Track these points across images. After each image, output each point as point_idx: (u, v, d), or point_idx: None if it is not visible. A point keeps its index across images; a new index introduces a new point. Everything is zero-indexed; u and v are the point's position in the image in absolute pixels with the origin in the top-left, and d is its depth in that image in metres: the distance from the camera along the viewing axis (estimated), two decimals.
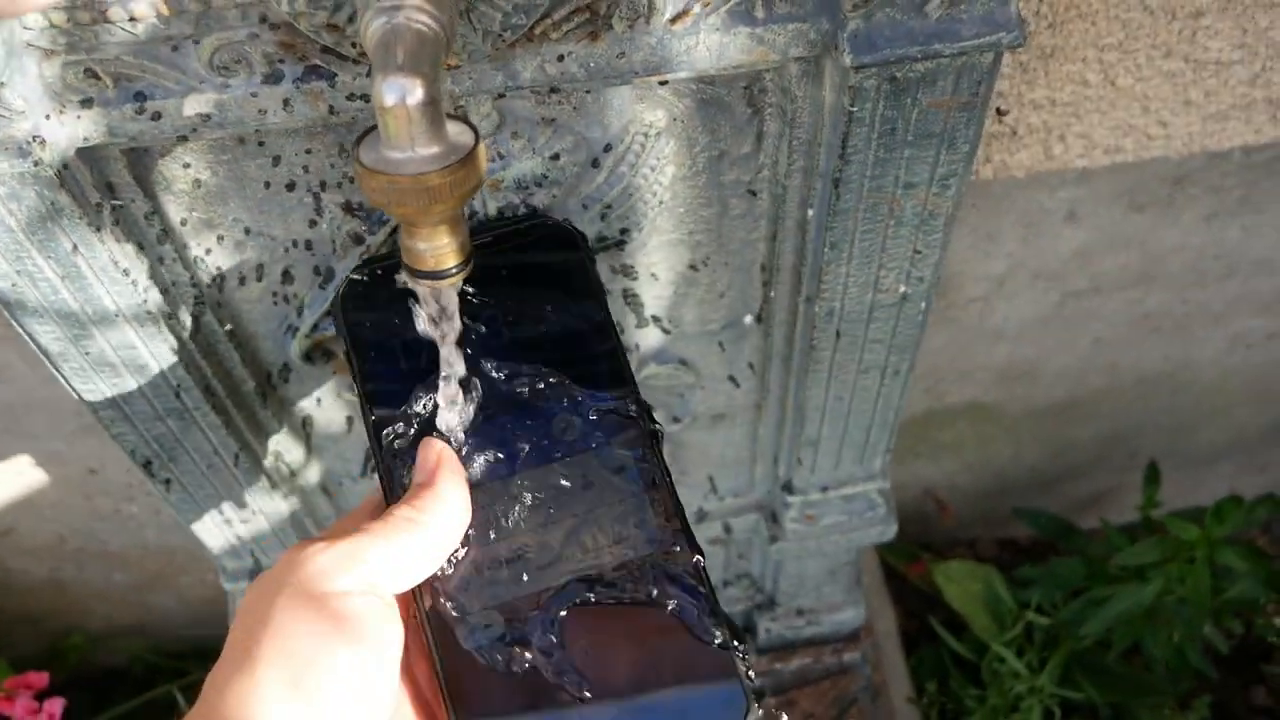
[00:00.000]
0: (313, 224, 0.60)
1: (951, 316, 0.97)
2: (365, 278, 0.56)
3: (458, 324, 0.46)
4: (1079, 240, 0.89)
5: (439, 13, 0.40)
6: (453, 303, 0.45)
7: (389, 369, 0.53)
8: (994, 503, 1.33)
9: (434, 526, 0.47)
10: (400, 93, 0.37)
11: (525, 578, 0.48)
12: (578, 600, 0.48)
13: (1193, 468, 1.31)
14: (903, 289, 0.66)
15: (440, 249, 0.41)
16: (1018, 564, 1.33)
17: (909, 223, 0.61)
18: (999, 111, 0.65)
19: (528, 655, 0.46)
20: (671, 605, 0.47)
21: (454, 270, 0.42)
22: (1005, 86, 0.65)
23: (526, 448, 0.51)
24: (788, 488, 0.88)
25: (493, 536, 0.50)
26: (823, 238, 0.61)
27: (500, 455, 0.51)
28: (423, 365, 0.52)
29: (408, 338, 0.52)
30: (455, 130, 0.40)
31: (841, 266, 0.63)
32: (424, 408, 0.52)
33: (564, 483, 0.50)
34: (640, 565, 0.48)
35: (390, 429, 0.52)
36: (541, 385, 0.52)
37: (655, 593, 0.48)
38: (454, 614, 0.48)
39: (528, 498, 0.50)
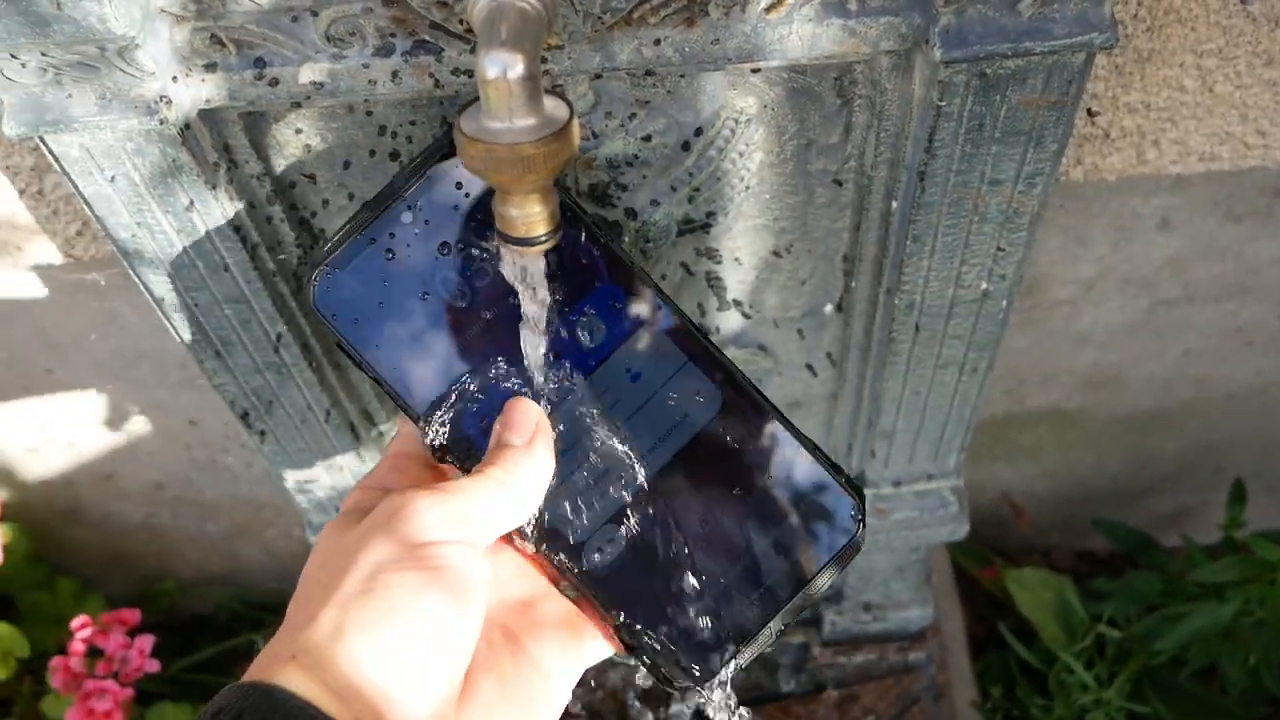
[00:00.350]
0: None
1: (1037, 318, 0.96)
2: (330, 272, 0.55)
3: (545, 291, 0.48)
4: (1172, 248, 0.89)
5: None
6: (539, 269, 0.47)
7: (398, 351, 0.54)
8: (1073, 511, 1.32)
9: (528, 487, 0.50)
10: (502, 66, 0.39)
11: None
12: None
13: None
14: (984, 286, 0.67)
15: (532, 216, 0.43)
16: (1094, 576, 1.31)
17: (993, 219, 0.62)
18: (1090, 112, 0.66)
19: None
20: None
21: (544, 238, 0.44)
22: (1100, 89, 0.65)
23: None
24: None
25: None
26: (905, 230, 0.62)
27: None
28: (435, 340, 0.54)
29: (409, 319, 0.54)
30: (551, 105, 0.42)
31: (923, 260, 0.64)
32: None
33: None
34: None
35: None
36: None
37: None
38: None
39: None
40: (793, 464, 0.55)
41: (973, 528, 1.19)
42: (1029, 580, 1.21)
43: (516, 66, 0.39)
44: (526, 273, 0.47)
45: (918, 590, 1.09)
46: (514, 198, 0.43)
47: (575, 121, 0.42)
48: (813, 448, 0.56)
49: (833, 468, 0.56)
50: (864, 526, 0.55)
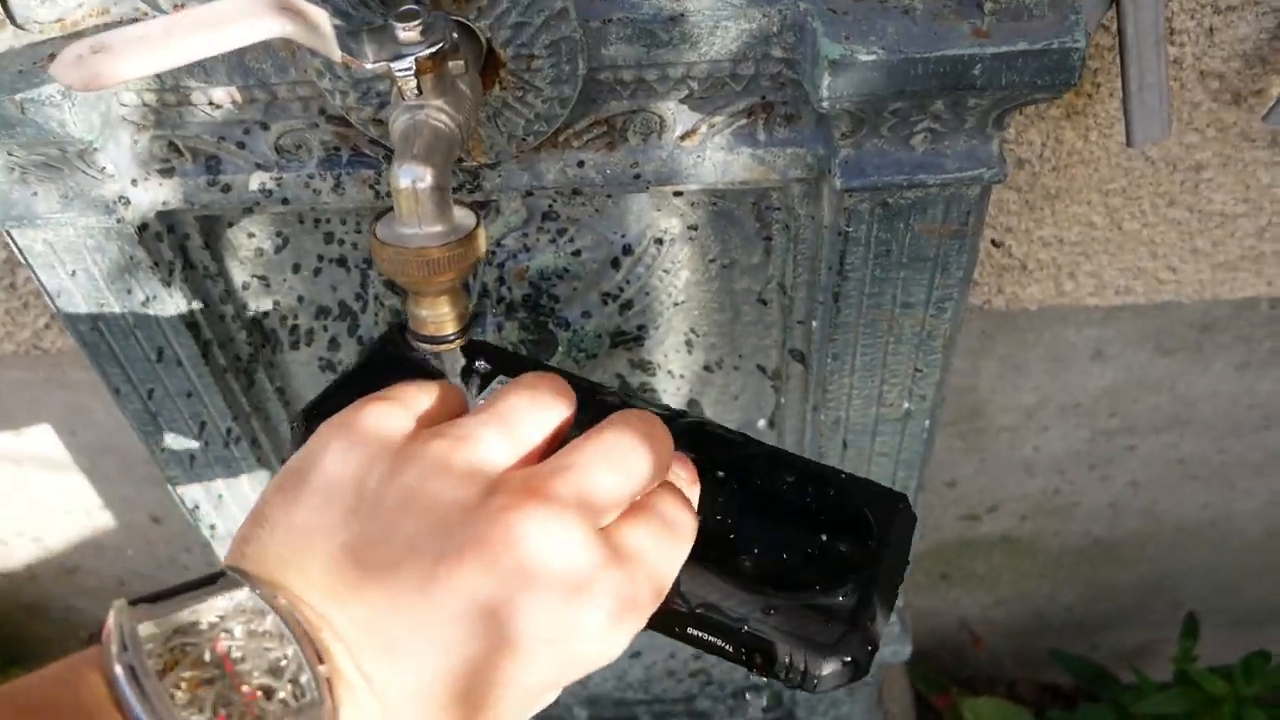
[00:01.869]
0: (359, 297, 0.66)
1: (982, 444, 0.99)
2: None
3: (460, 387, 0.51)
4: (1107, 379, 0.92)
5: (456, 114, 0.46)
6: (455, 366, 0.50)
7: None
8: (1032, 642, 1.32)
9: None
10: (412, 177, 0.43)
11: None
12: None
13: (1240, 628, 1.29)
14: (906, 405, 0.70)
15: (440, 316, 0.47)
16: (1050, 711, 1.31)
17: (908, 341, 0.65)
18: (994, 243, 0.69)
19: None
20: None
21: (452, 337, 0.47)
22: (1014, 223, 0.69)
23: None
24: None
25: None
26: (825, 349, 0.66)
27: None
28: None
29: None
30: (461, 214, 0.45)
31: (845, 378, 0.67)
32: None
33: None
34: None
35: None
36: None
37: None
38: None
39: None
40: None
41: (932, 654, 1.20)
42: (985, 710, 1.20)
43: (426, 177, 0.43)
44: (445, 369, 0.50)
45: (868, 714, 1.09)
46: (424, 299, 0.46)
47: (481, 230, 0.45)
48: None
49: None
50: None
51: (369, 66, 0.44)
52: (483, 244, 0.46)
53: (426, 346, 0.48)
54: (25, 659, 1.25)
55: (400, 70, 0.44)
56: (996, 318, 0.82)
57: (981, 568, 1.18)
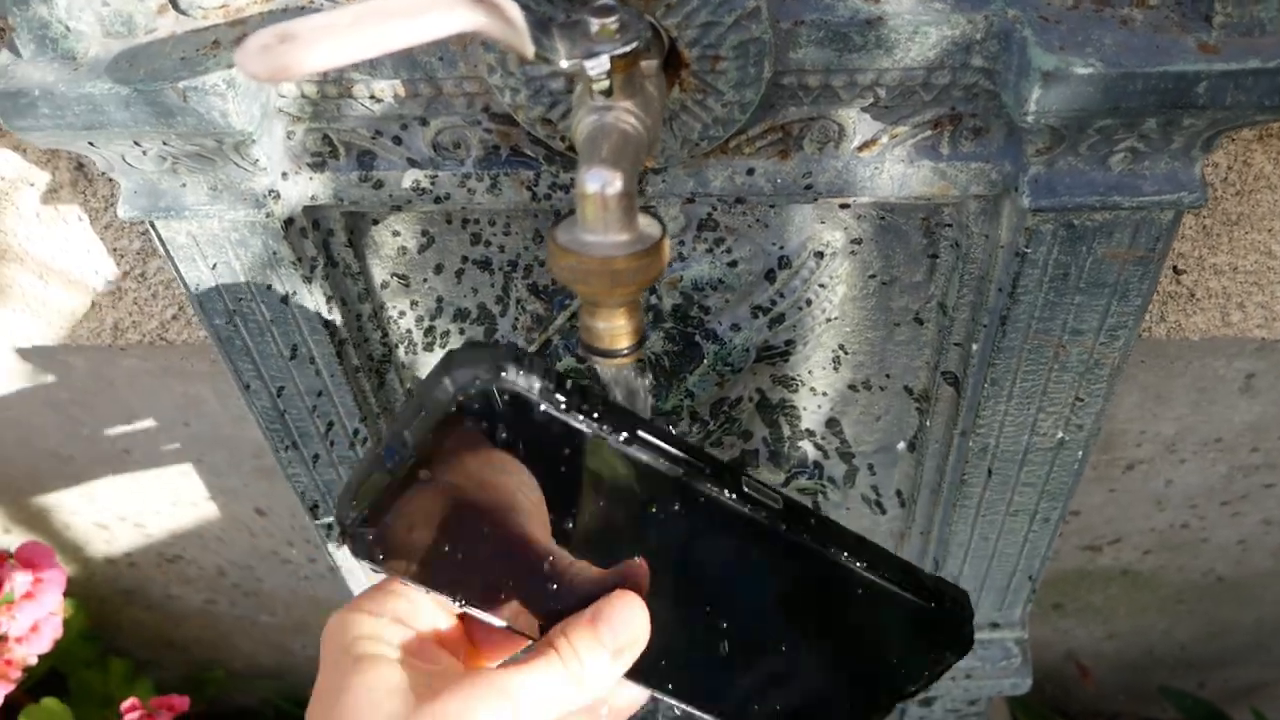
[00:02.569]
0: (499, 300, 0.64)
1: (1113, 474, 0.95)
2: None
3: (646, 401, 0.49)
4: (1254, 413, 0.87)
5: (645, 116, 0.43)
6: (636, 383, 0.48)
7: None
8: (1140, 677, 1.27)
9: (596, 687, 0.42)
10: (601, 182, 0.40)
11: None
12: None
13: None
14: (1060, 435, 0.66)
15: (616, 329, 0.44)
16: None
17: (1073, 369, 0.62)
18: (1175, 269, 0.65)
19: None
20: None
21: (626, 351, 0.45)
22: (1187, 248, 0.65)
23: None
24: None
25: None
26: (984, 373, 0.62)
27: None
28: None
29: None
30: (645, 222, 0.43)
31: (1000, 404, 0.64)
32: None
33: None
34: None
35: None
36: None
37: None
38: None
39: None
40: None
41: (1036, 685, 1.16)
42: None
43: (615, 183, 0.41)
44: (617, 382, 0.48)
45: None
46: (601, 310, 0.44)
47: (666, 240, 0.43)
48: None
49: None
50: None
51: (562, 64, 0.41)
52: (667, 255, 0.43)
53: (599, 360, 0.45)
54: (122, 647, 1.26)
55: (593, 68, 0.41)
56: (1148, 345, 0.78)
57: (1098, 600, 1.14)
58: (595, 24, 0.41)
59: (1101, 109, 0.45)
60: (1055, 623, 1.18)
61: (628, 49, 0.42)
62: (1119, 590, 1.12)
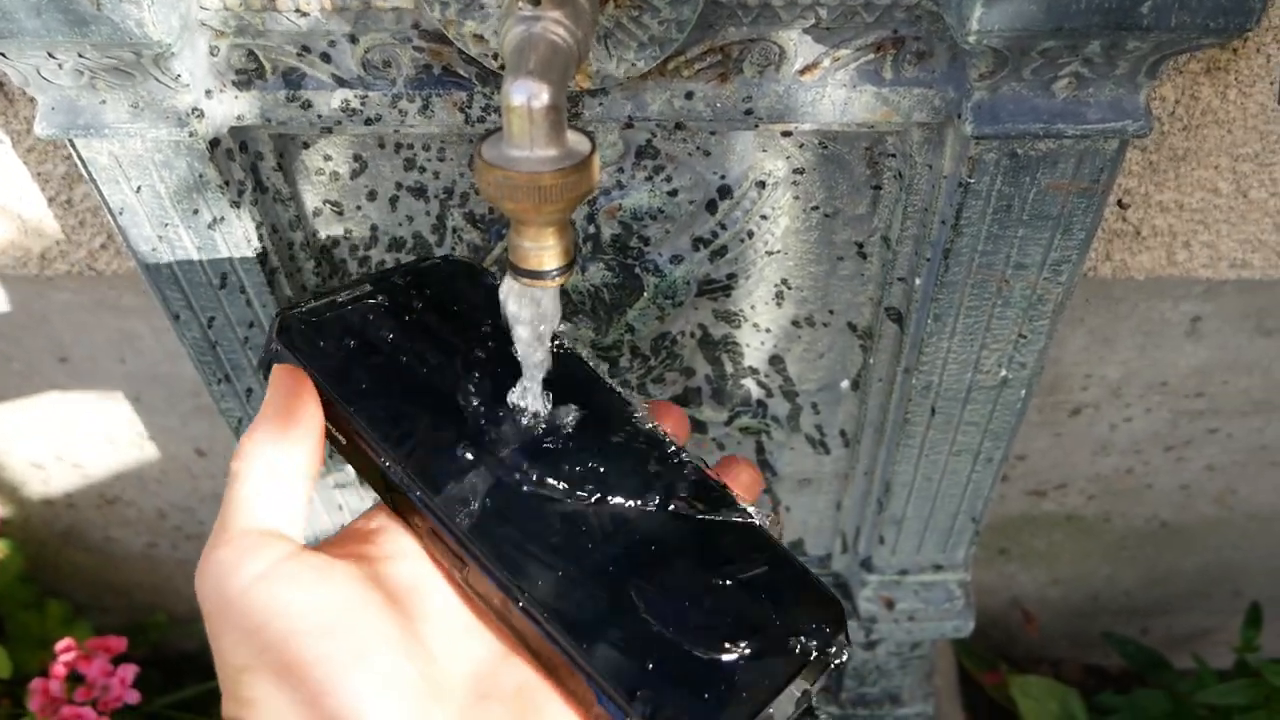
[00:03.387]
0: (435, 229, 0.62)
1: (1058, 419, 0.95)
2: (305, 320, 0.48)
3: (556, 322, 0.48)
4: (1200, 358, 0.87)
5: (575, 28, 0.42)
6: (551, 306, 0.46)
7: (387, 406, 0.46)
8: (1084, 624, 1.28)
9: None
10: (527, 94, 0.39)
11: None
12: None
13: None
14: (1003, 373, 0.66)
15: (545, 249, 0.43)
16: (1102, 692, 1.28)
17: (1016, 305, 0.61)
18: (1120, 204, 0.65)
19: None
20: None
21: (555, 272, 0.44)
22: (1133, 184, 0.65)
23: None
24: (866, 565, 0.87)
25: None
26: (927, 309, 0.62)
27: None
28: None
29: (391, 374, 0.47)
30: (574, 139, 0.42)
31: (943, 341, 0.63)
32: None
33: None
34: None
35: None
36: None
37: None
38: None
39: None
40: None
41: (980, 631, 1.17)
42: (1034, 689, 1.17)
43: (541, 95, 0.39)
44: (538, 308, 0.46)
45: (918, 687, 1.06)
46: (529, 229, 0.42)
47: (596, 156, 0.41)
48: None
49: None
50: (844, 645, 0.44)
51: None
52: (597, 173, 0.42)
53: (526, 281, 0.44)
54: (61, 590, 1.24)
55: None
56: (1093, 286, 0.78)
57: (1042, 545, 1.14)
58: None
59: (1045, 28, 0.44)
60: (1000, 568, 1.19)
61: None
62: (1063, 536, 1.13)
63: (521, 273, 0.44)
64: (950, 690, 1.22)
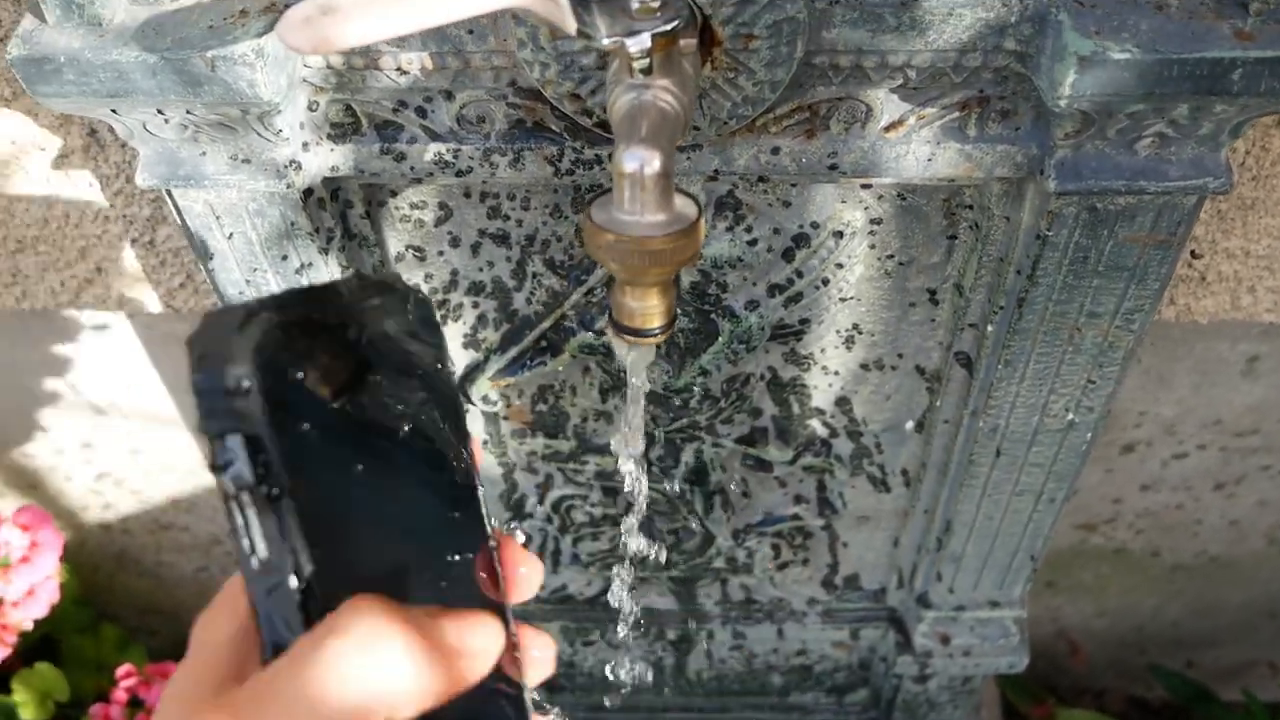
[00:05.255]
0: (515, 274, 0.64)
1: (1110, 455, 0.95)
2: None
3: (643, 381, 0.49)
4: (1255, 396, 0.88)
5: (681, 94, 0.43)
6: (646, 361, 0.48)
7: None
8: (1129, 655, 1.28)
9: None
10: (639, 162, 0.40)
11: None
12: None
13: None
14: (1071, 416, 0.67)
15: (649, 309, 0.44)
16: None
17: (1087, 352, 0.62)
18: (1193, 254, 0.66)
19: None
20: None
21: (657, 331, 0.45)
22: (1200, 231, 0.66)
23: None
24: (923, 601, 0.87)
25: None
26: (998, 354, 0.63)
27: None
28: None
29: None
30: (681, 203, 0.43)
31: (1012, 385, 0.64)
32: None
33: None
34: None
35: None
36: None
37: None
38: None
39: None
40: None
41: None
42: None
43: (653, 163, 0.40)
44: (634, 363, 0.48)
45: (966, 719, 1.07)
46: (634, 289, 0.44)
47: (703, 221, 0.43)
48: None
49: None
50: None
51: (603, 41, 0.41)
52: (703, 236, 0.43)
53: (629, 339, 0.45)
54: (113, 613, 1.25)
55: (634, 46, 0.41)
56: (1155, 329, 0.79)
57: (1089, 578, 1.15)
58: (635, 2, 0.41)
59: (1136, 94, 0.45)
60: (1047, 600, 1.20)
61: (668, 27, 0.41)
62: (1111, 569, 1.13)
63: (625, 330, 0.45)
64: None
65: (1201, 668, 1.29)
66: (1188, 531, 1.06)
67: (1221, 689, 1.21)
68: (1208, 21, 0.45)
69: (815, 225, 0.60)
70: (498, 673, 0.36)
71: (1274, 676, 1.16)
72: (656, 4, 0.41)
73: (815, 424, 0.73)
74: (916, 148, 0.53)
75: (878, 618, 0.94)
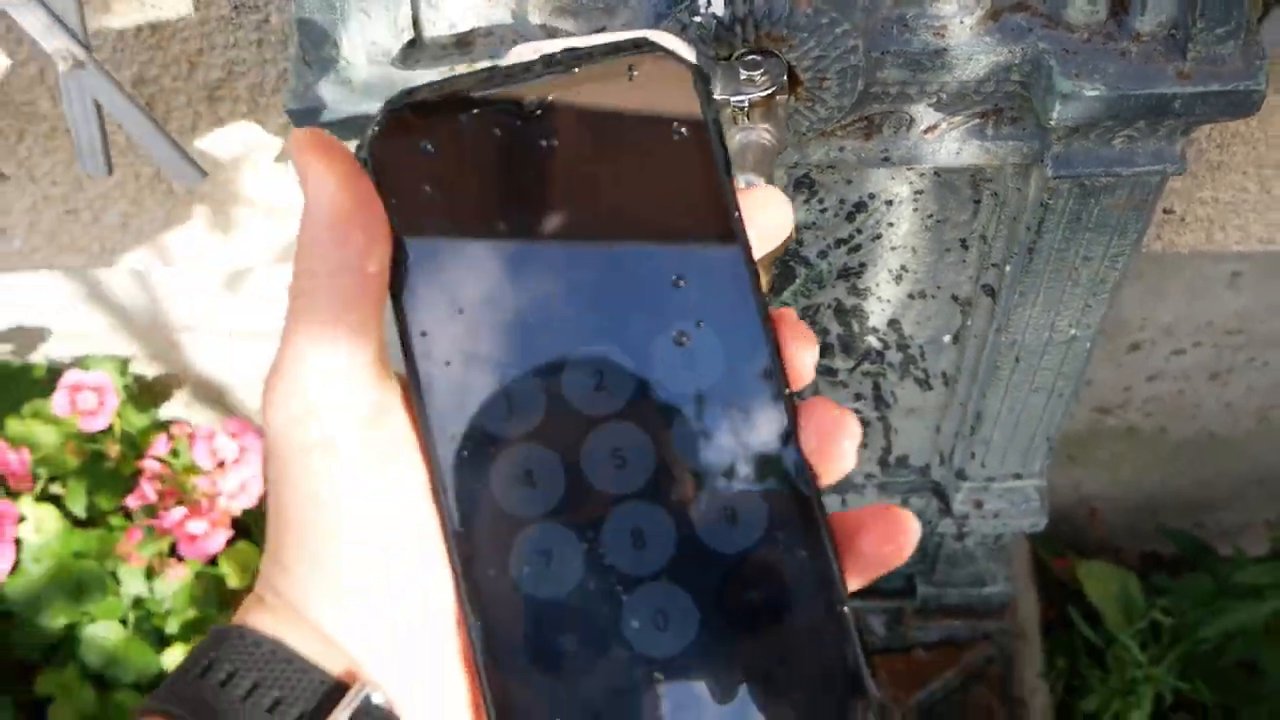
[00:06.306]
0: None
1: (1119, 352, 1.14)
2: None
3: None
4: (1239, 303, 1.05)
5: (776, 130, 0.61)
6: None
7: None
8: (1141, 519, 1.48)
9: None
10: (745, 184, 0.59)
11: None
12: None
13: None
14: (1073, 332, 0.85)
15: None
16: (1156, 575, 1.48)
17: (1084, 284, 0.80)
18: (1165, 210, 0.83)
19: None
20: None
21: None
22: (1177, 184, 0.83)
23: None
24: (960, 475, 1.07)
25: None
26: (1015, 287, 0.81)
27: None
28: None
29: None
30: None
31: (1026, 310, 0.83)
32: None
33: None
34: None
35: None
36: None
37: None
38: None
39: None
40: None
41: (1052, 525, 1.37)
42: (1097, 571, 1.38)
43: (757, 184, 0.59)
44: None
45: (999, 571, 1.27)
46: None
47: (791, 230, 0.61)
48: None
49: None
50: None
51: (715, 98, 0.59)
52: (791, 238, 0.62)
53: None
54: None
55: (737, 103, 0.59)
56: (1146, 257, 0.96)
57: (1105, 454, 1.34)
58: (744, 72, 0.59)
59: (1104, 117, 0.63)
60: (1069, 472, 1.39)
61: (767, 92, 0.59)
62: (1124, 445, 1.32)
63: None
64: (1025, 574, 1.43)
65: (1206, 529, 1.48)
66: (1188, 413, 1.25)
67: (1220, 546, 1.41)
68: (1158, 65, 0.62)
69: (871, 196, 0.78)
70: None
71: (1267, 533, 1.36)
72: (761, 76, 0.59)
73: (871, 339, 0.92)
74: (948, 144, 0.71)
75: (923, 489, 1.14)
